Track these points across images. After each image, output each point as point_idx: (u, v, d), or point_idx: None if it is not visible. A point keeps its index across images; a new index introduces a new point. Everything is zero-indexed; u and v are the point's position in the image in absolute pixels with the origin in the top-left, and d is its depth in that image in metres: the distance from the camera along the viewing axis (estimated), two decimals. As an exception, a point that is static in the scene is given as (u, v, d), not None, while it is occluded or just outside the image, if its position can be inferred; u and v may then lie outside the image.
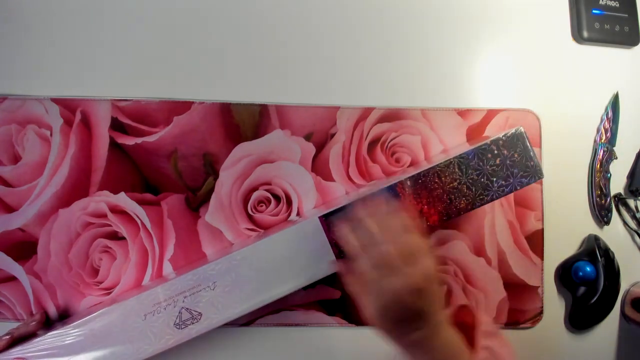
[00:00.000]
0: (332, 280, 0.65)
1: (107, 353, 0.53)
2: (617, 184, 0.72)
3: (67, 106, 0.64)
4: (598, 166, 0.71)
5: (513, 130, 0.54)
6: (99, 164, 0.64)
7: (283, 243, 0.54)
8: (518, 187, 0.55)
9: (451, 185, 0.54)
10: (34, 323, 0.58)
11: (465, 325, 0.53)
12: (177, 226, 0.65)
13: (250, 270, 0.53)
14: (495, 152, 0.54)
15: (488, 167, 0.54)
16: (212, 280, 0.53)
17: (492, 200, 0.54)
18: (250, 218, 0.66)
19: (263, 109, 0.66)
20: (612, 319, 0.71)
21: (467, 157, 0.54)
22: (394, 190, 0.54)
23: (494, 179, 0.54)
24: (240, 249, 0.54)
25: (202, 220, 0.65)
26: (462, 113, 0.69)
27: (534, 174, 0.55)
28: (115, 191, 0.64)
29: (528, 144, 0.55)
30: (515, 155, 0.54)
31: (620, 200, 0.72)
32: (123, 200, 0.64)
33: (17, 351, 0.54)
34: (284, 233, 0.54)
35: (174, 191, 0.65)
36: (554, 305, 0.70)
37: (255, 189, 0.66)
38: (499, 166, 0.54)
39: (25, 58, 0.65)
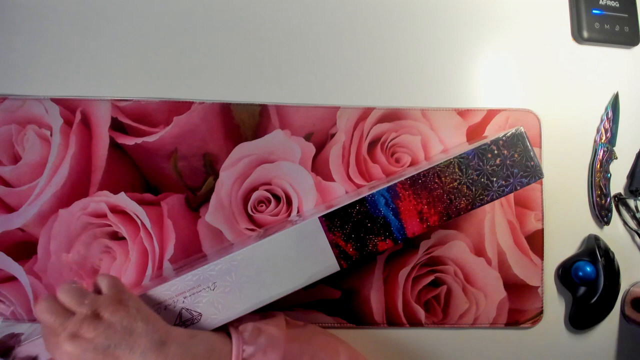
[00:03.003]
0: (332, 280, 0.65)
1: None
2: (617, 184, 0.72)
3: (67, 106, 0.64)
4: (598, 166, 0.71)
5: (513, 130, 0.54)
6: (99, 164, 0.64)
7: (283, 243, 0.54)
8: (518, 187, 0.55)
9: (451, 185, 0.54)
10: None
11: None
12: (177, 226, 0.65)
13: (250, 271, 0.53)
14: (496, 152, 0.54)
15: (488, 167, 0.54)
16: (212, 280, 0.53)
17: (492, 200, 0.54)
18: (250, 218, 0.66)
19: (263, 109, 0.67)
20: (612, 319, 0.71)
21: (467, 157, 0.54)
22: (394, 191, 0.54)
23: (494, 179, 0.54)
24: (240, 250, 0.54)
25: (202, 220, 0.65)
26: (462, 113, 0.69)
27: (534, 174, 0.55)
28: (115, 191, 0.64)
29: (528, 143, 0.55)
30: (515, 155, 0.54)
31: (620, 200, 0.72)
32: (123, 200, 0.64)
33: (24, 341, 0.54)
34: (283, 233, 0.54)
35: (174, 191, 0.65)
36: (554, 305, 0.70)
37: (255, 189, 0.66)
38: (499, 166, 0.54)
39: (25, 58, 0.65)
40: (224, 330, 0.55)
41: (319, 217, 0.54)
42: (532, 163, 0.55)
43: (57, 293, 0.49)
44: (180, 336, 0.50)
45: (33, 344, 0.54)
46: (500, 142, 0.54)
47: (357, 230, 0.54)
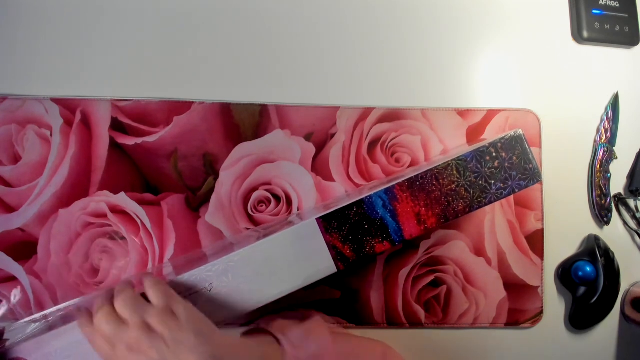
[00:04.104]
0: (332, 280, 0.65)
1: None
2: (617, 184, 0.72)
3: (67, 106, 0.64)
4: (598, 166, 0.71)
5: (512, 133, 0.54)
6: (99, 164, 0.64)
7: (280, 245, 0.54)
8: (516, 190, 0.54)
9: (449, 187, 0.54)
10: None
11: None
12: (177, 226, 0.65)
13: (247, 272, 0.53)
14: (494, 154, 0.54)
15: (486, 169, 0.54)
16: (209, 281, 0.53)
17: (490, 202, 0.54)
18: (250, 218, 0.66)
19: (263, 109, 0.67)
20: (612, 319, 0.71)
21: (465, 159, 0.54)
22: (392, 192, 0.54)
23: (492, 182, 0.54)
24: (237, 250, 0.54)
25: (202, 220, 0.65)
26: (462, 113, 0.69)
27: (533, 176, 0.55)
28: (115, 191, 0.64)
29: (527, 146, 0.54)
30: (514, 158, 0.54)
31: (620, 200, 0.72)
32: (123, 200, 0.64)
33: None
34: (281, 235, 0.54)
35: (174, 191, 0.65)
36: (554, 305, 0.70)
37: (255, 189, 0.66)
38: (497, 169, 0.54)
39: (25, 58, 0.65)
40: (266, 332, 0.56)
41: (317, 219, 0.54)
42: (531, 166, 0.55)
43: (115, 301, 0.50)
44: (232, 347, 0.50)
45: (18, 347, 0.54)
46: (499, 144, 0.54)
47: (355, 232, 0.54)
